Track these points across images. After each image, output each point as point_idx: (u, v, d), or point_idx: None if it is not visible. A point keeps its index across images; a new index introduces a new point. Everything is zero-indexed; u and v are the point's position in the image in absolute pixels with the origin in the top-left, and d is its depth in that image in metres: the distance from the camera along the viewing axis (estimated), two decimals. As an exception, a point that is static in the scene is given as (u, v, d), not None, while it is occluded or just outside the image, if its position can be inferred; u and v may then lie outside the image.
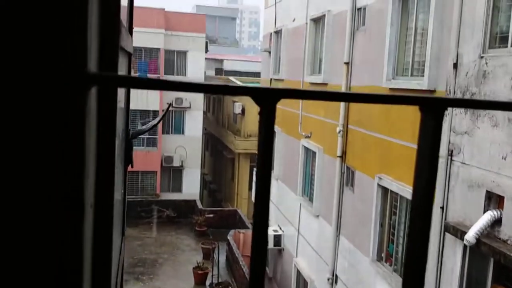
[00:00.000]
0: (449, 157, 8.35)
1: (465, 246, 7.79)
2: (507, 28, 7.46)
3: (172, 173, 32.01)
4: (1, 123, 0.61)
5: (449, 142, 8.41)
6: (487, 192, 7.46)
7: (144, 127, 3.47)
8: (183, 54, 31.80)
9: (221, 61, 42.39)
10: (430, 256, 8.71)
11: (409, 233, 0.77)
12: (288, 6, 17.87)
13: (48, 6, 0.62)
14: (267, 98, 0.71)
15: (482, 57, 7.71)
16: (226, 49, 61.79)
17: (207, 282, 20.96)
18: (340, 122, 12.79)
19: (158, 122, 3.46)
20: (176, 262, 23.20)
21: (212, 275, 20.81)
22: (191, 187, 31.95)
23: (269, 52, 19.87)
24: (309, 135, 15.06)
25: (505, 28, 7.55)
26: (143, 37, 29.07)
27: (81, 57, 0.63)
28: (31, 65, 0.61)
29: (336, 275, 13.15)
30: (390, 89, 10.30)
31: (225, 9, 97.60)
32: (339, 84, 12.90)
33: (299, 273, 15.85)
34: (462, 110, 8.13)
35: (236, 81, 33.22)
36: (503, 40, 7.55)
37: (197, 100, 31.85)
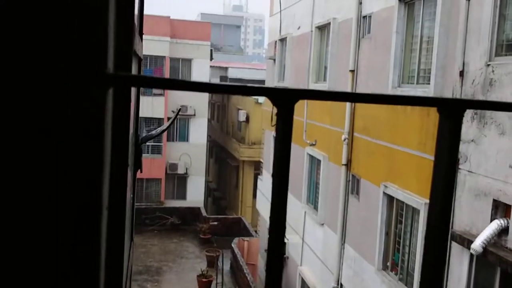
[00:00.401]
0: (456, 165, 8.31)
1: (471, 255, 7.75)
2: (514, 36, 7.46)
3: (177, 181, 32.02)
4: (25, 124, 0.61)
5: (455, 150, 8.37)
6: (494, 200, 7.42)
7: (153, 132, 3.47)
8: (188, 62, 31.90)
9: (225, 68, 42.45)
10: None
11: (426, 236, 0.76)
12: (293, 13, 17.89)
13: (70, 9, 0.62)
14: (285, 99, 0.70)
15: (488, 65, 7.70)
16: (231, 56, 61.88)
17: (211, 290, 20.93)
18: (345, 130, 12.77)
19: (168, 127, 3.44)
20: (180, 270, 23.16)
21: (216, 283, 20.75)
22: (195, 194, 31.95)
23: (274, 60, 19.89)
24: (314, 143, 15.04)
25: (511, 36, 7.54)
26: (148, 44, 29.13)
27: (102, 59, 0.63)
28: (54, 67, 0.61)
29: (341, 284, 13.09)
30: (396, 97, 10.26)
31: (230, 17, 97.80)
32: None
33: (303, 282, 15.78)
34: (469, 118, 8.11)
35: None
36: (510, 48, 7.54)
37: (201, 107, 31.92)
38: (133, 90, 1.97)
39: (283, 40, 18.88)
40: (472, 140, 7.98)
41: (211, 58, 33.32)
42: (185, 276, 22.40)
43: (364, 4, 12.34)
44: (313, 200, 15.58)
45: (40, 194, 0.62)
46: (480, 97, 7.88)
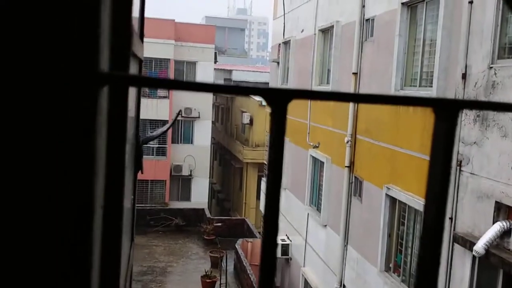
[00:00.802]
0: (458, 167, 8.30)
1: (474, 257, 7.73)
2: (517, 39, 7.45)
3: (181, 182, 32.05)
4: (14, 123, 0.61)
5: (458, 153, 8.37)
6: (496, 202, 7.41)
7: (154, 133, 3.48)
8: (192, 64, 31.94)
9: (230, 71, 42.47)
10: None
11: (421, 237, 0.77)
12: (297, 17, 17.91)
13: (61, 8, 0.62)
14: (279, 99, 0.70)
15: (491, 67, 7.69)
16: (235, 59, 61.90)
17: (215, 291, 20.94)
18: (348, 132, 12.77)
19: (168, 128, 3.45)
20: (184, 270, 23.18)
21: (220, 284, 20.76)
22: (199, 196, 31.98)
23: (278, 63, 19.90)
24: (317, 145, 15.04)
25: (514, 38, 7.53)
26: (153, 47, 29.23)
27: (93, 57, 0.63)
28: (44, 65, 0.62)
29: (344, 285, 13.07)
30: (399, 99, 10.26)
31: (234, 20, 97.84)
32: (347, 94, 12.87)
33: (306, 283, 15.77)
34: (471, 120, 8.10)
35: (245, 91, 33.20)
36: (513, 51, 7.53)
37: (206, 110, 31.96)
38: (133, 91, 1.98)
39: (286, 43, 18.90)
40: (474, 142, 7.97)
41: (216, 61, 33.34)
42: (189, 276, 22.42)
43: (367, 7, 12.34)
44: (316, 201, 15.57)
45: (28, 192, 0.63)
46: (482, 99, 7.87)
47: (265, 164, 21.94)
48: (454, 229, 8.34)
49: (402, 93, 10.39)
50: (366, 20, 12.37)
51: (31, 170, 0.62)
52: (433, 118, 0.71)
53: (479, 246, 7.21)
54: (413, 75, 10.39)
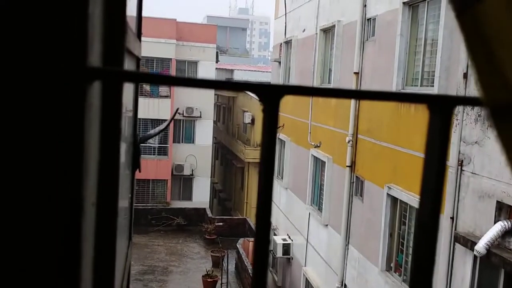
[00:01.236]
0: (459, 167, 8.29)
1: (475, 257, 7.72)
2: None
3: (183, 182, 32.07)
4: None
5: (459, 152, 8.36)
6: (498, 202, 7.39)
7: (151, 132, 3.48)
8: (194, 64, 31.95)
9: (231, 71, 42.48)
10: (440, 266, 8.64)
11: (416, 239, 0.76)
12: (298, 16, 17.90)
13: (47, 2, 0.62)
14: (271, 95, 0.69)
15: (492, 66, 7.66)
16: (236, 59, 61.95)
17: (216, 291, 20.95)
18: (349, 131, 12.76)
19: (166, 126, 3.45)
20: (185, 270, 23.19)
21: (221, 283, 20.77)
22: (201, 195, 32.00)
23: (279, 62, 19.90)
24: (319, 145, 15.03)
25: (516, 37, 7.51)
26: (155, 47, 29.25)
27: (82, 52, 0.63)
28: (29, 60, 0.61)
29: (345, 285, 13.07)
30: (400, 98, 10.26)
31: (236, 20, 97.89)
32: (349, 93, 12.87)
33: (308, 282, 15.77)
34: (472, 120, 8.08)
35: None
36: (514, 50, 7.51)
37: (207, 109, 31.97)
38: (130, 89, 1.98)
39: (288, 43, 18.89)
40: (475, 142, 7.96)
41: (217, 61, 33.35)
42: (191, 276, 22.44)
43: (368, 7, 12.33)
44: (317, 201, 15.57)
45: (12, 189, 0.62)
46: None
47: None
48: (455, 229, 8.33)
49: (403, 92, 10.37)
50: (368, 19, 12.37)
51: (15, 167, 0.62)
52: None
53: (480, 246, 7.20)
54: (415, 74, 10.38)
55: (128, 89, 1.80)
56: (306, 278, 15.85)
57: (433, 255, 0.74)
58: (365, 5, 12.42)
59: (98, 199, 0.97)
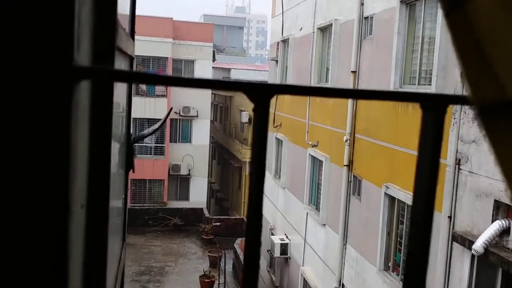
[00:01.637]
0: (457, 166, 8.29)
1: (473, 256, 7.72)
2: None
3: (180, 182, 32.05)
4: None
5: (457, 151, 8.36)
6: (495, 201, 7.40)
7: (145, 132, 3.47)
8: (190, 63, 31.92)
9: (228, 70, 42.45)
10: (438, 265, 8.64)
11: (409, 237, 0.75)
12: (295, 15, 17.89)
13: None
14: (261, 94, 0.68)
15: (489, 65, 7.67)
16: (233, 58, 61.94)
17: (214, 291, 20.95)
18: (347, 131, 12.76)
19: (160, 126, 3.43)
20: (182, 270, 23.18)
21: (219, 284, 20.77)
22: (198, 195, 31.98)
23: (276, 61, 19.89)
24: (316, 144, 15.03)
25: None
26: (151, 46, 29.23)
27: (67, 50, 0.61)
28: (13, 59, 0.60)
29: (343, 284, 13.07)
30: (397, 97, 10.26)
31: (233, 19, 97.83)
32: (346, 92, 12.88)
33: (305, 282, 15.77)
34: (470, 118, 8.08)
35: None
36: None
37: (204, 109, 31.95)
38: (124, 88, 1.96)
39: (285, 42, 18.88)
40: (473, 141, 7.96)
41: (214, 59, 33.32)
42: (188, 276, 22.42)
43: (365, 5, 12.33)
44: (315, 201, 15.57)
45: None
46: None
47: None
48: (453, 228, 8.33)
49: (401, 91, 10.37)
50: (365, 18, 12.36)
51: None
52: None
53: (478, 245, 7.20)
54: (412, 73, 10.38)
55: (121, 88, 1.79)
56: (304, 278, 15.85)
57: (426, 253, 0.72)
58: (363, 4, 12.42)
59: (88, 201, 0.96)
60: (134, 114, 28.54)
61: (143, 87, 29.77)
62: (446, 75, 8.89)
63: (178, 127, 31.81)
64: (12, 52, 0.58)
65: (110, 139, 1.07)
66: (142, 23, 27.91)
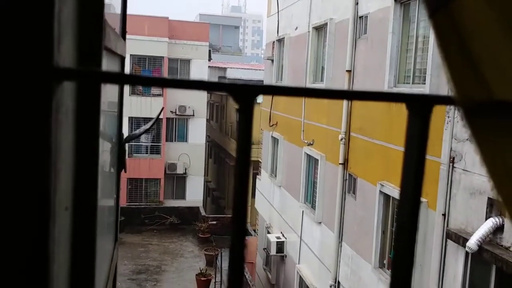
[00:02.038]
0: (451, 164, 8.31)
1: (467, 253, 7.74)
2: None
3: (176, 181, 32.03)
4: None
5: (451, 149, 8.37)
6: (489, 199, 7.41)
7: (136, 131, 3.46)
8: (186, 62, 31.88)
9: (224, 69, 42.40)
10: (432, 263, 8.66)
11: (396, 234, 0.75)
12: (291, 14, 17.89)
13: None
14: (245, 94, 0.68)
15: (484, 63, 7.68)
16: (229, 57, 61.89)
17: (210, 290, 20.95)
18: (342, 129, 12.77)
19: (151, 126, 3.44)
20: (179, 269, 23.18)
21: (215, 282, 20.78)
22: (194, 194, 31.97)
23: (272, 60, 19.89)
24: (312, 143, 15.04)
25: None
26: (147, 45, 29.19)
27: (46, 50, 0.61)
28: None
29: (339, 282, 13.09)
30: (392, 96, 10.28)
31: (229, 18, 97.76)
32: (341, 91, 12.89)
33: (301, 280, 15.78)
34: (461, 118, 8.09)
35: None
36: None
37: (200, 108, 31.93)
38: (115, 88, 1.96)
39: (281, 41, 18.88)
40: (467, 139, 7.98)
41: (210, 59, 33.29)
42: (184, 275, 22.43)
43: (360, 4, 12.33)
44: (310, 199, 15.58)
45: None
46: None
47: (260, 162, 21.96)
48: (447, 226, 8.35)
49: (395, 90, 10.39)
50: (360, 17, 12.37)
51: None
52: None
53: (472, 242, 7.22)
54: (406, 72, 10.39)
55: (112, 87, 1.78)
56: (300, 276, 15.86)
57: (411, 256, 0.73)
58: (357, 3, 12.43)
59: (75, 203, 0.95)
60: (130, 113, 28.53)
61: (139, 86, 29.74)
62: (440, 74, 8.90)
63: (174, 126, 31.79)
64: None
65: (97, 141, 1.06)
66: (138, 23, 27.88)
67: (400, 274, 0.72)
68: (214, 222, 27.29)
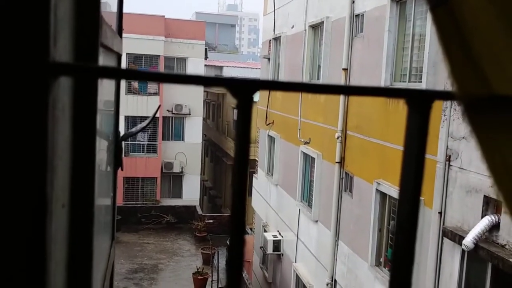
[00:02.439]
0: (447, 162, 8.32)
1: (463, 251, 7.76)
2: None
3: (172, 179, 32.02)
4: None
5: (447, 147, 8.38)
6: (485, 197, 7.43)
7: (133, 129, 3.46)
8: (182, 61, 31.86)
9: (220, 68, 42.40)
10: (429, 260, 8.67)
11: (396, 232, 0.75)
12: (287, 13, 17.88)
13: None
14: (244, 90, 0.67)
15: (480, 61, 7.69)
16: (225, 56, 61.91)
17: (207, 288, 20.96)
18: (338, 128, 12.78)
19: (147, 124, 3.44)
20: (176, 268, 23.17)
21: (212, 281, 20.78)
22: (191, 193, 31.97)
23: (268, 59, 19.87)
24: (308, 141, 15.04)
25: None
26: (143, 44, 29.15)
27: (42, 46, 0.60)
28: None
29: (335, 280, 13.10)
30: (388, 94, 10.29)
31: (225, 16, 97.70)
32: (337, 89, 12.89)
33: (298, 278, 15.79)
34: (460, 115, 8.11)
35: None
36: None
37: (197, 106, 31.92)
38: (112, 85, 1.95)
39: (277, 39, 18.87)
40: (463, 137, 7.99)
41: (206, 57, 33.28)
42: (181, 273, 22.43)
43: (356, 3, 12.34)
44: (307, 197, 15.59)
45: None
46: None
47: (256, 161, 21.95)
48: (443, 224, 8.36)
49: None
50: (356, 15, 12.37)
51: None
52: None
53: (468, 240, 7.23)
54: (403, 70, 10.40)
55: (109, 85, 1.77)
56: (297, 274, 15.87)
57: (412, 254, 0.72)
58: (353, 1, 12.43)
59: (72, 200, 0.95)
60: (126, 112, 28.52)
61: (135, 85, 29.71)
62: (437, 72, 8.91)
63: (171, 125, 31.78)
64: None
65: (94, 137, 1.06)
66: (134, 21, 27.84)
67: (400, 274, 0.71)
68: (211, 221, 27.29)
